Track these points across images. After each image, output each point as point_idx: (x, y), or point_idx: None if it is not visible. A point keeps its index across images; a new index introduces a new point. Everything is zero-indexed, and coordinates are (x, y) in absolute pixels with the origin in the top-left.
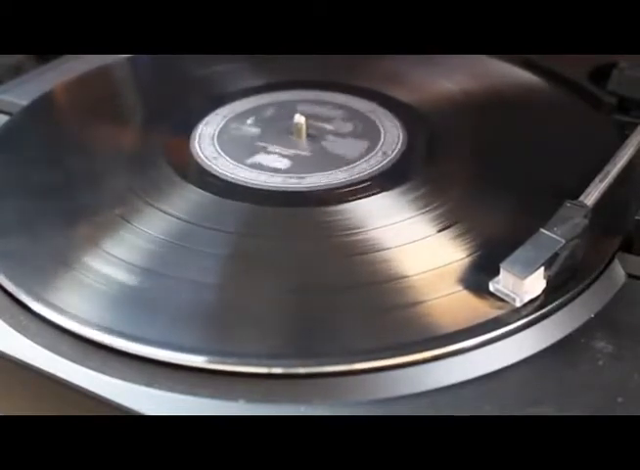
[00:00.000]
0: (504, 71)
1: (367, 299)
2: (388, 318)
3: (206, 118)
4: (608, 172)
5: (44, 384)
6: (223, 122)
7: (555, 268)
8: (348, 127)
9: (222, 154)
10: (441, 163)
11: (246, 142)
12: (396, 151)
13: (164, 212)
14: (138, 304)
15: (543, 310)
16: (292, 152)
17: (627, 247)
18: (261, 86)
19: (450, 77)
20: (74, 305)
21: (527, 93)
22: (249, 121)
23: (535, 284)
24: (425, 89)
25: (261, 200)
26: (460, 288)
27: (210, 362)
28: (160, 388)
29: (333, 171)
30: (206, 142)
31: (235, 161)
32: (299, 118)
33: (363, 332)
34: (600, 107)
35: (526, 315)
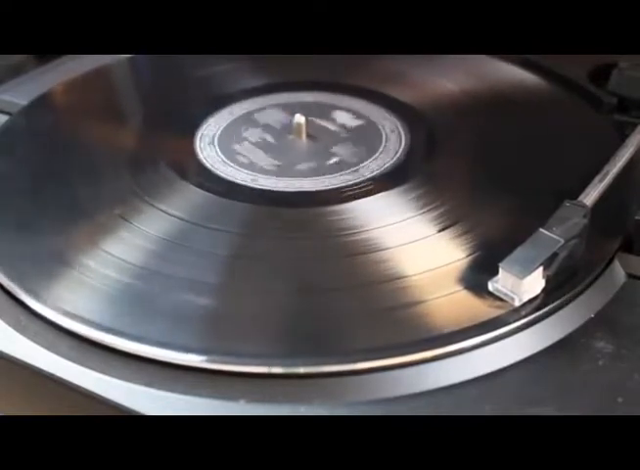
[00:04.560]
0: (504, 71)
1: (367, 299)
2: (388, 318)
3: (206, 119)
4: (607, 172)
5: (44, 384)
6: (223, 123)
7: (554, 268)
8: (348, 127)
9: (222, 154)
10: (441, 162)
11: (245, 142)
12: (396, 151)
13: (164, 212)
14: (138, 303)
15: (543, 310)
16: (292, 152)
17: (627, 247)
18: (261, 87)
19: (450, 77)
20: (74, 304)
21: (527, 93)
22: (248, 122)
23: (534, 284)
24: (425, 89)
25: (261, 200)
26: (460, 288)
27: (210, 362)
28: (159, 388)
29: (332, 171)
30: (206, 142)
31: (235, 161)
32: (299, 119)
33: (363, 332)
34: (600, 107)
35: (527, 315)
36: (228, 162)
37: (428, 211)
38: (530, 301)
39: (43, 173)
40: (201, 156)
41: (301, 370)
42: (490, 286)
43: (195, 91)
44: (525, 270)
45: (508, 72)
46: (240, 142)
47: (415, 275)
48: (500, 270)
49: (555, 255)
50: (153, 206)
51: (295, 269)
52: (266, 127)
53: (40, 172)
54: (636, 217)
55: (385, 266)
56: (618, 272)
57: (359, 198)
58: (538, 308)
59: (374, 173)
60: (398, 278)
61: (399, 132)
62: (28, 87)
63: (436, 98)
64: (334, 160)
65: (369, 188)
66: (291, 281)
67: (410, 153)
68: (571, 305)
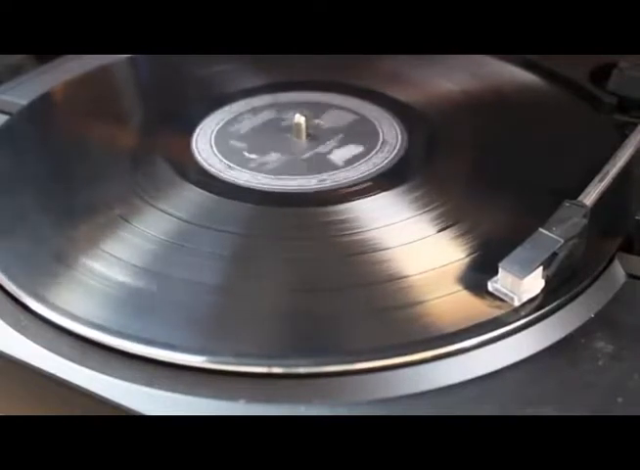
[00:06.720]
0: (504, 71)
1: (367, 299)
2: (388, 318)
3: (206, 119)
4: (607, 172)
5: (44, 384)
6: (223, 123)
7: (553, 268)
8: (348, 127)
9: (221, 154)
10: (441, 162)
11: (245, 142)
12: (396, 151)
13: (164, 212)
14: (138, 303)
15: (543, 310)
16: (292, 152)
17: (627, 247)
18: (261, 86)
19: (450, 77)
20: (74, 305)
21: (527, 93)
22: (248, 122)
23: (534, 283)
24: (425, 89)
25: (261, 200)
26: (459, 288)
27: (210, 362)
28: (159, 388)
29: (332, 172)
30: (206, 142)
31: (235, 161)
32: (299, 119)
33: (363, 332)
34: (600, 107)
35: (526, 315)
36: (228, 161)
37: (427, 210)
38: (530, 301)
39: (43, 173)
40: (200, 156)
41: (301, 370)
42: (490, 286)
43: (194, 91)
44: (525, 270)
45: (508, 72)
46: (239, 141)
47: (415, 275)
48: (500, 270)
49: (555, 255)
50: (153, 206)
51: (295, 269)
52: (266, 127)
53: (40, 172)
54: (636, 217)
55: (385, 266)
56: (618, 272)
57: (359, 198)
58: (538, 308)
59: (374, 173)
60: (398, 278)
61: (399, 132)
62: (28, 87)
63: (436, 98)
64: (333, 159)
65: (369, 188)
66: (291, 281)
67: (410, 153)
68: (570, 306)
